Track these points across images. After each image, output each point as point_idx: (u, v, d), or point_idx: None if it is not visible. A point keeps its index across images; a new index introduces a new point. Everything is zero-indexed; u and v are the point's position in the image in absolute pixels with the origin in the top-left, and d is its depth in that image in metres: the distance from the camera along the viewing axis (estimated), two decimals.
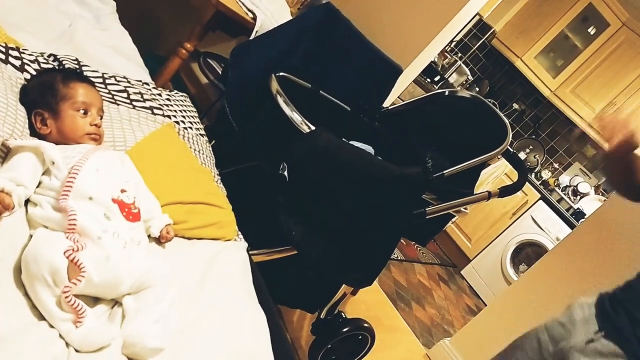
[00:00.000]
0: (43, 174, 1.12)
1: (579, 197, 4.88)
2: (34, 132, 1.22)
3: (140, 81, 1.77)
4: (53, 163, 1.11)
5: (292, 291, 2.19)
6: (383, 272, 1.97)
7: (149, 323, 1.02)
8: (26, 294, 0.95)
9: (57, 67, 1.46)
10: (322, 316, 2.25)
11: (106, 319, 1.03)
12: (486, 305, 4.03)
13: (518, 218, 4.58)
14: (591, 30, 4.76)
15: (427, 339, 3.21)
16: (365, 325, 2.31)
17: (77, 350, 0.94)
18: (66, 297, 0.93)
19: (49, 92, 1.23)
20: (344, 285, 2.23)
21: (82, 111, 1.25)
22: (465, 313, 4.05)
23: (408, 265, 4.03)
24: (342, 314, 2.29)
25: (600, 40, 4.67)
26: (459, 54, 5.44)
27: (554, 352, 1.58)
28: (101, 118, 1.31)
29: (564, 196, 4.80)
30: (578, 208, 4.66)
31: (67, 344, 0.94)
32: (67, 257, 0.95)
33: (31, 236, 1.02)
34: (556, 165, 5.18)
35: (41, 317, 0.94)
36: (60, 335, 0.94)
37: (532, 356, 1.64)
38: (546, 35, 4.85)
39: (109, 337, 0.98)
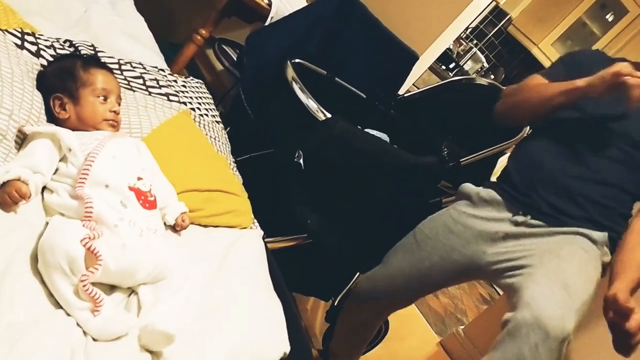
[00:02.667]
0: (60, 160, 1.12)
1: None
2: (50, 118, 1.21)
3: (156, 67, 1.76)
4: (70, 150, 1.10)
5: (306, 279, 2.19)
6: None
7: (164, 314, 1.01)
8: (43, 283, 0.95)
9: (75, 53, 1.46)
10: (336, 304, 2.24)
11: (122, 308, 1.03)
12: (500, 295, 4.00)
13: None
14: (609, 17, 4.69)
15: (441, 328, 3.20)
16: None
17: (94, 339, 0.94)
18: (84, 286, 0.93)
19: (69, 78, 1.23)
20: (358, 273, 2.22)
21: (101, 97, 1.25)
22: (479, 302, 4.04)
23: None
24: None
25: (618, 27, 4.59)
26: (475, 41, 5.38)
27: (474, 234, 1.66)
28: (119, 105, 1.31)
29: None
30: None
31: (85, 333, 0.94)
32: (84, 246, 0.94)
33: (48, 224, 1.02)
34: None
35: (58, 306, 0.94)
36: (78, 324, 0.94)
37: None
38: (564, 22, 4.77)
39: (126, 326, 0.97)
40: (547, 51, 4.86)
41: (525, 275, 1.47)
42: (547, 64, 4.89)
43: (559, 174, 1.62)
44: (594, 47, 4.69)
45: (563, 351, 1.32)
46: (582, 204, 1.58)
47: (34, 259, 0.96)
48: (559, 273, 1.43)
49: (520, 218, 1.61)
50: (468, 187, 1.76)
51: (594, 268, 1.50)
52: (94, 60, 1.35)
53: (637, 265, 1.44)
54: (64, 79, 1.23)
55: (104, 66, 1.33)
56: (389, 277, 1.81)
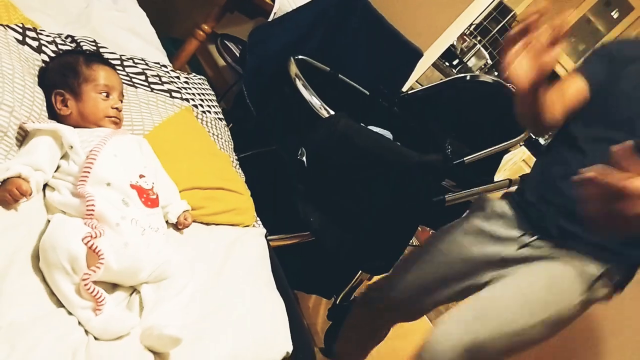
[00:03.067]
0: (61, 158, 1.11)
1: None
2: (52, 115, 1.20)
3: (158, 63, 1.75)
4: (71, 147, 1.10)
5: (308, 276, 2.18)
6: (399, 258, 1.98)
7: (168, 315, 1.01)
8: (44, 281, 0.94)
9: (77, 49, 1.45)
10: (338, 302, 2.24)
11: (124, 307, 1.03)
12: None
13: None
14: (614, 14, 4.66)
15: None
16: None
17: (96, 339, 0.93)
18: (85, 285, 0.92)
19: (71, 74, 1.22)
20: (360, 271, 2.22)
21: (104, 94, 1.24)
22: None
23: None
24: None
25: (623, 25, 4.57)
26: (478, 38, 5.35)
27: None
28: (121, 102, 1.30)
29: None
30: None
31: (87, 332, 0.93)
32: (86, 244, 0.93)
33: (49, 221, 1.01)
34: None
35: (60, 305, 0.93)
36: (79, 323, 0.93)
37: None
38: (568, 19, 4.75)
39: (129, 325, 0.97)
40: None
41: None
42: None
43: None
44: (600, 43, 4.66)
45: None
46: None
47: (35, 257, 0.95)
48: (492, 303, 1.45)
49: (527, 239, 1.50)
50: (485, 197, 1.68)
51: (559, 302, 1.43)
52: (96, 57, 1.35)
53: None
54: (66, 74, 1.22)
55: (106, 62, 1.32)
56: (405, 284, 1.75)
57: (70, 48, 1.45)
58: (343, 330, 2.02)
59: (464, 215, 1.71)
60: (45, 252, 0.93)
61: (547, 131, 1.61)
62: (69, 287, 0.93)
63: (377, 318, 1.89)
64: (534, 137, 2.32)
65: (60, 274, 0.92)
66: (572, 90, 1.50)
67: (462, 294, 1.66)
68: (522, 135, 1.98)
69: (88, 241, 0.94)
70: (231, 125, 2.04)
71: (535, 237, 1.49)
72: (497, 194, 1.73)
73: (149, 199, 1.14)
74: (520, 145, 2.11)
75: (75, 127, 1.17)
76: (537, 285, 1.43)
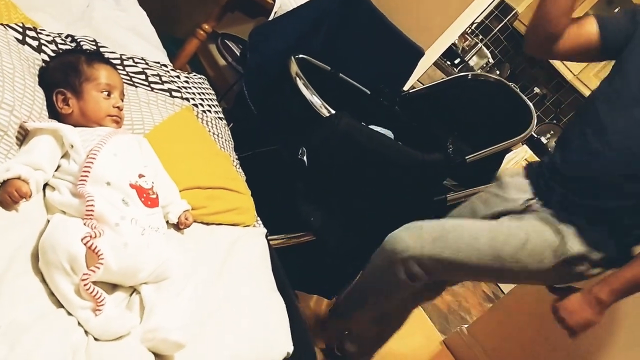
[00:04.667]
0: (62, 157, 1.10)
1: None
2: (52, 114, 1.20)
3: (159, 63, 1.74)
4: (72, 146, 1.09)
5: (309, 276, 2.17)
6: None
7: (170, 317, 1.00)
8: (44, 281, 0.93)
9: (78, 48, 1.44)
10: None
11: (124, 307, 1.02)
12: (504, 293, 3.99)
13: None
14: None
15: (444, 326, 3.19)
16: None
17: (96, 339, 0.92)
18: (85, 285, 0.92)
19: (72, 73, 1.22)
20: (361, 271, 2.21)
21: (105, 93, 1.24)
22: (483, 300, 4.02)
23: None
24: None
25: None
26: (480, 36, 5.34)
27: (486, 215, 1.69)
28: (122, 101, 1.30)
29: None
30: None
31: (86, 332, 0.92)
32: (85, 244, 0.93)
33: (49, 221, 1.01)
34: None
35: (59, 305, 0.93)
36: (79, 324, 0.92)
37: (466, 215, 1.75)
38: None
39: (128, 326, 0.96)
40: None
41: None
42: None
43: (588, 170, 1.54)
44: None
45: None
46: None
47: (35, 257, 0.95)
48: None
49: (532, 202, 1.62)
50: (503, 171, 1.81)
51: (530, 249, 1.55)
52: (97, 56, 1.35)
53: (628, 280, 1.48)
54: (68, 73, 1.22)
55: (107, 61, 1.32)
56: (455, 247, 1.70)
57: (70, 47, 1.44)
58: (363, 311, 1.95)
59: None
60: (44, 252, 0.93)
61: (548, 55, 1.64)
62: (69, 288, 0.92)
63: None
64: (535, 135, 2.32)
65: (59, 274, 0.92)
66: (586, 29, 1.53)
67: None
68: (523, 134, 1.98)
69: (87, 241, 0.93)
70: (232, 124, 2.04)
71: (541, 203, 1.59)
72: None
73: (149, 198, 1.13)
74: (522, 144, 2.10)
75: (76, 126, 1.16)
76: (512, 239, 1.55)
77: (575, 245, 1.51)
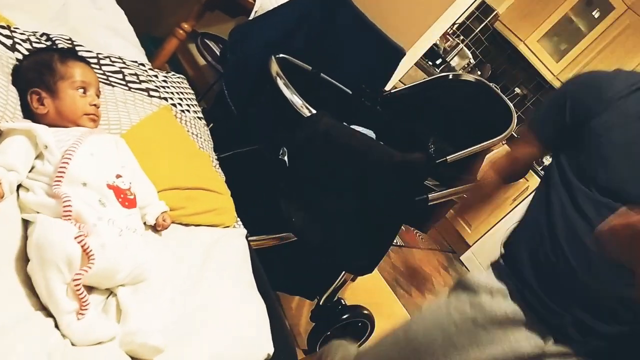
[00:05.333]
0: (36, 158, 1.08)
1: None
2: (26, 114, 1.18)
3: (136, 62, 1.72)
4: (46, 147, 1.07)
5: (291, 278, 2.17)
6: (383, 259, 1.96)
7: (148, 320, 0.99)
8: (21, 282, 0.91)
9: (50, 47, 1.42)
10: (321, 303, 2.23)
11: (100, 310, 1.00)
12: None
13: (519, 204, 4.54)
14: (595, 14, 4.69)
15: None
16: (365, 312, 2.29)
17: (73, 344, 0.91)
18: (76, 285, 0.91)
19: (46, 71, 1.20)
20: (343, 271, 2.21)
21: (81, 90, 1.22)
22: None
23: (407, 251, 4.01)
24: (342, 301, 2.28)
25: (604, 24, 4.59)
26: (461, 37, 5.37)
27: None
28: (98, 97, 1.28)
29: None
30: None
31: (63, 336, 0.91)
32: (79, 243, 0.92)
33: (24, 221, 0.99)
34: None
35: (37, 307, 0.91)
36: (56, 327, 0.91)
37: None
38: (550, 19, 4.77)
39: (109, 333, 0.95)
40: (533, 47, 4.86)
41: None
42: (533, 60, 4.89)
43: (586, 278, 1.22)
44: (581, 43, 4.68)
45: None
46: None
47: (13, 259, 0.93)
48: None
49: (538, 342, 1.27)
50: (476, 279, 1.39)
51: None
52: (71, 53, 1.33)
53: None
54: (42, 72, 1.20)
55: (82, 59, 1.31)
56: None
57: (45, 46, 1.42)
58: None
59: (448, 296, 1.43)
60: (41, 250, 0.91)
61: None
62: (61, 288, 0.91)
63: None
64: (516, 135, 2.33)
65: (54, 274, 0.90)
66: (525, 159, 1.50)
67: None
68: (504, 134, 1.99)
69: (81, 240, 0.92)
70: (211, 125, 2.02)
71: (550, 342, 1.27)
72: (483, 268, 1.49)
73: (127, 199, 1.12)
74: (503, 144, 2.10)
75: (51, 126, 1.15)
76: None
77: None
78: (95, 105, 1.24)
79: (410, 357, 1.41)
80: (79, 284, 0.91)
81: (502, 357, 1.28)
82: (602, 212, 1.15)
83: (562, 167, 1.31)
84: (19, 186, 1.05)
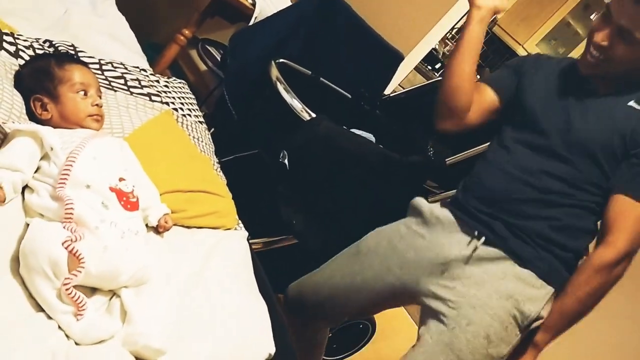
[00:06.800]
0: (42, 159, 1.10)
1: None
2: (32, 118, 1.19)
3: (138, 67, 1.74)
4: (51, 149, 1.08)
5: (292, 280, 2.17)
6: None
7: (150, 323, 1.00)
8: (22, 284, 0.93)
9: (46, 53, 1.44)
10: None
11: (104, 311, 1.01)
12: None
13: None
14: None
15: None
16: None
17: (77, 343, 0.92)
18: (66, 290, 0.91)
19: (45, 77, 1.21)
20: None
21: (81, 92, 1.23)
22: None
23: None
24: None
25: None
26: None
27: (415, 260, 1.56)
28: (100, 98, 1.29)
29: None
30: None
31: (67, 336, 0.92)
32: (66, 248, 0.92)
33: (27, 225, 1.00)
34: None
35: (39, 309, 0.92)
36: (60, 327, 0.92)
37: (388, 263, 1.61)
38: (548, 22, 4.80)
39: (110, 331, 0.96)
40: (532, 51, 4.88)
41: (425, 336, 1.48)
42: None
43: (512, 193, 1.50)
44: (579, 46, 4.71)
45: None
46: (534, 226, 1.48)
47: (14, 260, 0.94)
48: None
49: (471, 244, 1.49)
50: (421, 203, 1.67)
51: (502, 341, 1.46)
52: (67, 57, 1.34)
53: (558, 314, 1.45)
54: (41, 79, 1.21)
55: (78, 61, 1.32)
56: (315, 285, 1.76)
57: (48, 52, 1.44)
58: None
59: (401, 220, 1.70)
60: (25, 257, 0.92)
61: (462, 127, 1.72)
62: (50, 292, 0.91)
63: (295, 321, 1.82)
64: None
65: (41, 279, 0.91)
66: (485, 96, 1.67)
67: (390, 300, 1.68)
68: None
69: (68, 245, 0.93)
70: (213, 130, 2.04)
71: (482, 240, 1.48)
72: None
73: (129, 202, 1.13)
74: None
75: (56, 128, 1.16)
76: (478, 344, 1.44)
77: (531, 306, 1.43)
78: (97, 105, 1.25)
79: (356, 261, 1.66)
80: (69, 288, 0.91)
81: (435, 260, 1.52)
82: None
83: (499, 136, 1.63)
84: (25, 188, 1.06)
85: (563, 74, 1.57)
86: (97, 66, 1.55)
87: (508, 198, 1.49)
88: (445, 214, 1.58)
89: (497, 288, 1.44)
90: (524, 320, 1.44)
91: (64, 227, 0.97)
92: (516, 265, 1.45)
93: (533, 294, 1.44)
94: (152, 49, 2.33)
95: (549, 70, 1.59)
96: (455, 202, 1.59)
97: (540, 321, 1.46)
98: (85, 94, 1.24)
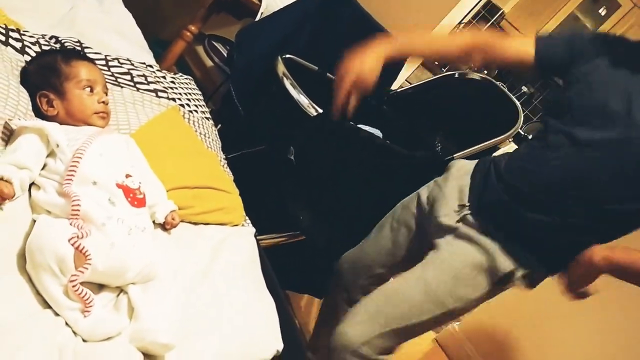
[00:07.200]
0: (48, 155, 1.09)
1: None
2: (38, 115, 1.19)
3: (144, 63, 1.74)
4: (57, 145, 1.08)
5: (300, 276, 2.17)
6: None
7: (158, 319, 1.00)
8: (30, 281, 0.93)
9: (52, 49, 1.43)
10: None
11: (112, 307, 1.01)
12: None
13: None
14: (602, 11, 4.68)
15: None
16: None
17: (84, 340, 0.92)
18: (73, 286, 0.91)
19: (51, 73, 1.21)
20: None
21: (88, 89, 1.23)
22: None
23: None
24: None
25: (611, 22, 4.58)
26: None
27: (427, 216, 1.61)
28: (106, 95, 1.28)
29: None
30: None
31: (75, 332, 0.92)
32: (72, 245, 0.92)
33: (34, 221, 1.00)
34: None
35: (45, 305, 0.92)
36: (67, 324, 0.92)
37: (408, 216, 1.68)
38: (556, 17, 4.76)
39: (118, 327, 0.96)
40: None
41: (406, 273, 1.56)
42: None
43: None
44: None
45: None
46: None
47: (21, 257, 0.94)
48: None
49: (462, 211, 1.52)
50: (458, 162, 1.69)
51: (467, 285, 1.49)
52: (74, 53, 1.33)
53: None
54: (47, 75, 1.21)
55: (85, 57, 1.31)
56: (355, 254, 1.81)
57: (54, 48, 1.43)
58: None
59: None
60: (32, 254, 0.92)
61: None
62: (57, 289, 0.91)
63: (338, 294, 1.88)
64: (522, 133, 2.33)
65: (47, 276, 0.91)
66: (524, 48, 1.53)
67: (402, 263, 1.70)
68: (510, 132, 1.99)
69: (75, 242, 0.92)
70: (219, 126, 2.03)
71: (467, 209, 1.52)
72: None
73: (136, 198, 1.12)
74: (510, 142, 2.10)
75: (63, 124, 1.16)
76: (442, 278, 1.48)
77: (504, 262, 1.44)
78: (103, 102, 1.25)
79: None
80: (76, 285, 0.91)
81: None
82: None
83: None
84: (32, 185, 1.06)
85: None
86: (104, 62, 1.54)
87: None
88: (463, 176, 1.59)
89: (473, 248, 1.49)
90: (497, 272, 1.45)
91: (70, 224, 0.97)
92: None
93: (506, 257, 1.46)
94: (158, 46, 2.33)
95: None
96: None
97: (516, 284, 1.48)
98: (92, 91, 1.23)
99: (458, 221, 1.52)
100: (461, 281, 1.47)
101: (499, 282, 1.48)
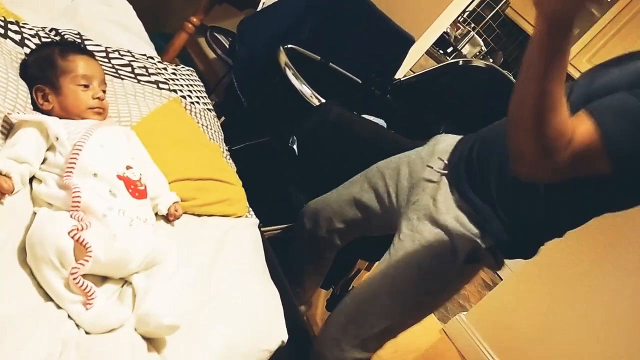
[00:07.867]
0: (48, 149, 1.09)
1: None
2: (36, 108, 1.19)
3: (145, 55, 1.73)
4: (57, 139, 1.08)
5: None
6: None
7: (162, 301, 0.99)
8: (32, 275, 0.92)
9: (52, 41, 1.42)
10: (337, 292, 2.23)
11: (116, 299, 1.01)
12: (502, 279, 4.00)
13: None
14: None
15: (443, 314, 3.19)
16: None
17: (87, 332, 0.92)
18: (74, 279, 0.91)
19: (48, 67, 1.20)
20: (358, 260, 2.20)
21: (83, 85, 1.21)
22: (481, 288, 4.02)
23: None
24: None
25: (617, 8, 4.53)
26: (472, 25, 5.32)
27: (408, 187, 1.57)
28: (104, 90, 1.27)
29: None
30: None
31: (78, 325, 0.92)
32: (72, 237, 0.92)
33: (35, 214, 1.00)
34: None
35: (48, 298, 0.92)
36: (69, 316, 0.92)
37: (389, 183, 1.64)
38: None
39: (120, 319, 0.95)
40: None
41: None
42: None
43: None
44: (594, 27, 4.63)
45: None
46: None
47: (22, 251, 0.93)
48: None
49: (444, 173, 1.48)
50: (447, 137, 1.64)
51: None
52: (73, 46, 1.31)
53: None
54: (44, 68, 1.20)
55: (84, 51, 1.29)
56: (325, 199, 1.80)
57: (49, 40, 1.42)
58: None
59: None
60: (32, 247, 0.92)
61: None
62: (58, 282, 0.91)
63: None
64: None
65: (48, 269, 0.91)
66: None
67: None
68: None
69: (75, 234, 0.92)
70: (223, 118, 2.03)
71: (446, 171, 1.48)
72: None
73: (137, 189, 1.12)
74: None
75: (60, 118, 1.15)
76: (407, 272, 1.44)
77: (466, 234, 1.38)
78: (99, 98, 1.23)
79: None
80: (77, 277, 0.91)
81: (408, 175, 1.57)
82: None
83: None
84: (32, 178, 1.06)
85: None
86: (104, 54, 1.53)
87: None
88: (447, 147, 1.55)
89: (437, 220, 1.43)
90: (460, 251, 1.39)
91: (71, 216, 0.97)
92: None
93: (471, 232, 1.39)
94: (160, 38, 2.32)
95: None
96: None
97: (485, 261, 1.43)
98: (87, 87, 1.22)
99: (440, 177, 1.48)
100: (428, 274, 1.43)
101: (467, 261, 1.40)
